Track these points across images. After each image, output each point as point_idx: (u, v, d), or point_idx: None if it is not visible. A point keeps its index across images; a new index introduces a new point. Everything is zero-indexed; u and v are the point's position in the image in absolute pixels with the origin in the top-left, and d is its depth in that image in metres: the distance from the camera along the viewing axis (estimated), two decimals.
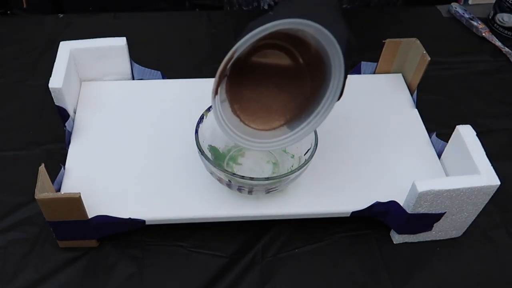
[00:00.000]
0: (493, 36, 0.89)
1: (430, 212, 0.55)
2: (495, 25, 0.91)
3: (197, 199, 0.58)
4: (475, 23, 0.90)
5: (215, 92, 0.50)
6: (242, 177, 0.53)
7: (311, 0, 0.52)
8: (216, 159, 0.60)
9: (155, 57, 0.81)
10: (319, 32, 0.47)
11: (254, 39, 0.46)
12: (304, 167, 0.55)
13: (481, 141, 0.57)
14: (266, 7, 0.95)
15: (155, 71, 0.73)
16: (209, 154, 0.58)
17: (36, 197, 0.51)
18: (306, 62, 0.54)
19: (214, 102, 0.51)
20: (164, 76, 0.73)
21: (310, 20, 0.45)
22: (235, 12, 0.99)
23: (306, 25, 0.46)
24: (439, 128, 0.67)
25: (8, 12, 1.37)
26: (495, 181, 0.54)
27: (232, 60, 0.49)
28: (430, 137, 0.66)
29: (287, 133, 0.55)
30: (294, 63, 0.54)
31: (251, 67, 0.55)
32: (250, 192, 0.56)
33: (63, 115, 0.63)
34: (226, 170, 0.55)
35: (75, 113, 0.66)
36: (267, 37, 0.49)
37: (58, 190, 0.58)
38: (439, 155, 0.64)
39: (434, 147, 0.65)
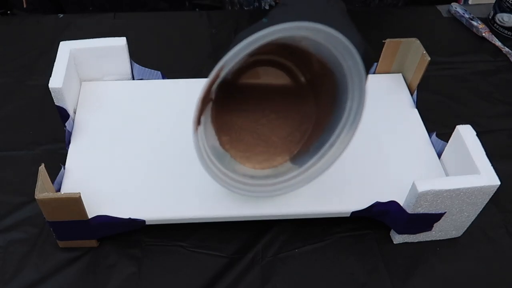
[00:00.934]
0: (493, 36, 0.89)
1: (430, 212, 0.55)
2: (495, 25, 0.90)
3: (197, 199, 0.58)
4: (475, 23, 0.90)
5: (198, 122, 0.40)
6: None
7: (312, 2, 0.41)
8: None
9: (155, 57, 0.81)
10: (331, 39, 0.37)
11: (245, 52, 0.36)
12: None
13: (481, 141, 0.57)
14: (267, 7, 0.95)
15: (155, 71, 0.73)
16: None
17: (36, 197, 0.51)
18: (309, 80, 0.45)
19: (197, 136, 0.41)
20: (164, 76, 0.73)
21: (318, 23, 0.35)
22: (235, 12, 0.99)
23: (315, 30, 0.35)
24: (439, 128, 0.67)
25: (8, 12, 1.37)
26: (495, 181, 0.54)
27: (218, 80, 0.39)
28: (430, 137, 0.66)
29: (293, 170, 0.44)
30: (295, 82, 0.45)
31: (242, 90, 0.45)
32: None
33: (63, 115, 0.63)
34: None
35: (75, 113, 0.66)
36: (260, 51, 0.38)
37: (58, 190, 0.58)
38: (439, 155, 0.64)
39: (434, 147, 0.65)
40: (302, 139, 0.46)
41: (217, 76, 0.39)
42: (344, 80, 0.40)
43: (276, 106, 0.46)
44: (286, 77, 0.45)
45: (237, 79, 0.44)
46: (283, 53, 0.44)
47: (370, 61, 0.42)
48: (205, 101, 0.40)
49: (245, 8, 0.98)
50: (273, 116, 0.46)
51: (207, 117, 0.44)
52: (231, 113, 0.45)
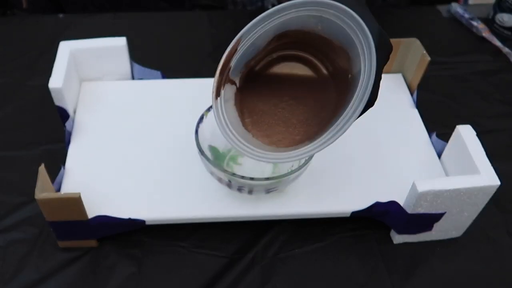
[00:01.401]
0: (493, 36, 0.89)
1: (430, 212, 0.55)
2: (495, 25, 0.91)
3: (197, 199, 0.58)
4: (475, 23, 0.90)
5: (217, 93, 0.45)
6: (242, 177, 0.53)
7: None
8: (216, 159, 0.60)
9: (155, 57, 0.81)
10: (342, 14, 0.40)
11: (262, 25, 0.40)
12: (304, 167, 0.55)
13: (481, 141, 0.57)
14: (270, 7, 0.95)
15: (155, 71, 0.73)
16: (209, 154, 0.58)
17: (36, 197, 0.51)
18: (331, 73, 0.48)
19: (217, 105, 0.45)
20: (164, 76, 0.73)
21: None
22: (235, 12, 1.00)
23: (325, 4, 0.39)
24: (439, 128, 0.67)
25: (8, 12, 1.36)
26: (495, 181, 0.54)
27: (237, 55, 0.43)
28: (430, 137, 0.66)
29: (307, 144, 0.46)
30: (317, 74, 0.49)
31: (267, 79, 0.49)
32: (250, 192, 0.56)
33: (63, 115, 0.63)
34: (226, 170, 0.55)
35: (75, 113, 0.66)
36: (285, 46, 0.43)
37: (58, 190, 0.58)
38: (439, 155, 0.64)
39: (434, 147, 0.65)
40: (320, 124, 0.47)
41: (234, 49, 0.42)
42: (358, 59, 0.42)
43: (295, 93, 0.49)
44: (309, 70, 0.48)
45: (263, 71, 0.48)
46: (306, 48, 0.47)
47: (386, 43, 0.43)
48: (223, 72, 0.44)
49: (248, 8, 0.98)
50: (292, 102, 0.49)
51: (229, 100, 0.47)
52: (253, 97, 0.49)
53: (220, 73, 0.44)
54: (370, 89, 0.41)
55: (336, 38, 0.44)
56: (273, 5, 0.93)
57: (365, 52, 0.41)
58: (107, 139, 0.64)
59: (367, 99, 0.42)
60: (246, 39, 0.42)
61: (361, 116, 0.44)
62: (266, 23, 0.40)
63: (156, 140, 0.64)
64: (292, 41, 0.46)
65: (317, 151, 0.44)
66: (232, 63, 0.45)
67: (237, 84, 0.48)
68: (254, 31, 0.41)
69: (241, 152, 0.47)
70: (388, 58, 0.45)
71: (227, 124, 0.47)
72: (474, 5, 0.98)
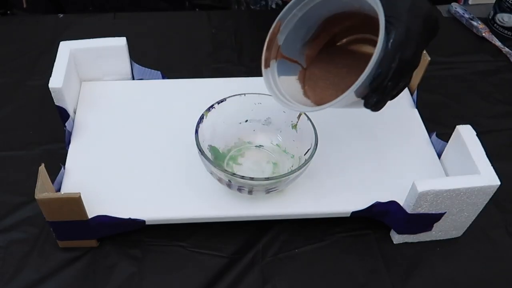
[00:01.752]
0: (493, 36, 0.89)
1: (430, 212, 0.55)
2: (495, 25, 0.91)
3: (197, 199, 0.58)
4: (475, 23, 0.90)
5: (265, 64, 0.51)
6: (242, 177, 0.53)
7: None
8: (216, 159, 0.60)
9: (155, 57, 0.81)
10: None
11: (297, 8, 0.47)
12: (304, 167, 0.55)
13: (481, 141, 0.57)
14: (274, 6, 0.95)
15: (155, 71, 0.73)
16: (209, 154, 0.58)
17: (36, 197, 0.51)
18: None
19: (267, 73, 0.51)
20: (164, 76, 0.73)
21: None
22: (235, 12, 1.00)
23: None
24: (439, 128, 0.67)
25: (8, 12, 1.36)
26: (495, 181, 0.54)
27: (280, 34, 0.49)
28: (430, 137, 0.66)
29: None
30: None
31: (332, 53, 0.54)
32: (250, 192, 0.56)
33: (63, 115, 0.63)
34: (226, 170, 0.55)
35: (75, 113, 0.66)
36: (347, 30, 0.48)
37: (58, 190, 0.58)
38: (439, 155, 0.64)
39: (434, 147, 0.65)
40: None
41: (277, 29, 0.49)
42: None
43: (352, 64, 0.53)
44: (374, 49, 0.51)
45: (334, 50, 0.54)
46: (366, 30, 0.51)
47: (421, 8, 0.46)
48: (269, 48, 0.51)
49: (252, 7, 0.98)
50: (344, 69, 0.53)
51: (292, 75, 0.53)
52: (312, 66, 0.54)
53: (267, 48, 0.51)
54: (381, 43, 0.43)
55: (374, 11, 0.46)
56: (277, 4, 0.93)
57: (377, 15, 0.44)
58: (107, 139, 0.64)
59: (377, 56, 0.44)
60: (286, 20, 0.48)
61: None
62: (301, 4, 0.46)
63: (156, 140, 0.64)
64: (350, 26, 0.50)
65: (352, 91, 0.46)
66: (280, 42, 0.52)
67: (303, 65, 0.54)
68: (291, 13, 0.47)
69: (292, 109, 0.52)
70: (430, 26, 0.47)
71: (278, 89, 0.51)
72: (474, 5, 0.98)
